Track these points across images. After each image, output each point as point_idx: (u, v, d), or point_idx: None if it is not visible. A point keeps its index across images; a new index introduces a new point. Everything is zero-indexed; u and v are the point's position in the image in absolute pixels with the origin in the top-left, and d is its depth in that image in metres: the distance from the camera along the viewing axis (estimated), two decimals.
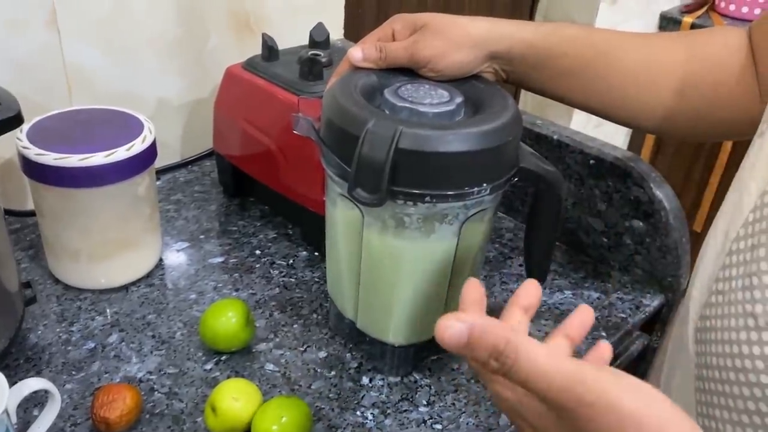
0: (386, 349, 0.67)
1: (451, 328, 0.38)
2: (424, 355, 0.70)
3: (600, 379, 0.34)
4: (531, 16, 1.81)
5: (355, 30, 1.22)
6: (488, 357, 0.37)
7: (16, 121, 0.60)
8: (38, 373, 0.65)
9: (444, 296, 0.64)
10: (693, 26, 1.88)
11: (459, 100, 0.59)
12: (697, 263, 0.57)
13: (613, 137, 2.06)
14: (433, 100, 0.59)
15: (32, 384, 0.54)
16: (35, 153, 0.67)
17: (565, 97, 0.68)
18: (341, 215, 0.62)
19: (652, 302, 0.81)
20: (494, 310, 0.44)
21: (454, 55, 0.62)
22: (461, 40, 0.62)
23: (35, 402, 0.61)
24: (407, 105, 0.57)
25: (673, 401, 0.35)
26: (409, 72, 0.64)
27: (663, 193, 0.78)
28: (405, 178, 0.54)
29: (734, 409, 0.47)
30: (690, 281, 0.59)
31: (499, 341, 0.36)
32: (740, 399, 0.46)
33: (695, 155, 1.98)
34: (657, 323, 0.84)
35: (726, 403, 0.48)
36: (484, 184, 0.55)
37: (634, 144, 2.13)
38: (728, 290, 0.48)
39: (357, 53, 0.63)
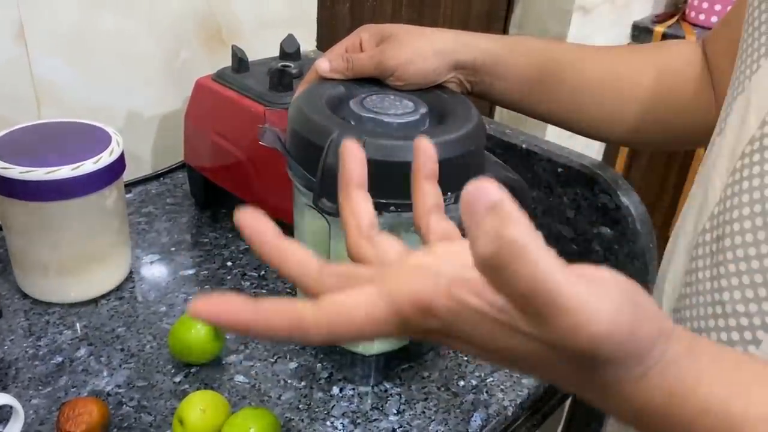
0: (356, 358, 0.67)
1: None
2: (395, 364, 0.70)
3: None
4: (505, 26, 1.83)
5: (328, 42, 1.23)
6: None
7: None
8: (4, 389, 0.64)
9: None
10: (665, 35, 1.91)
11: (423, 110, 0.60)
12: (668, 257, 0.58)
13: (588, 146, 2.08)
14: (398, 110, 0.59)
15: None
16: (1, 167, 0.66)
17: (529, 107, 0.69)
18: (308, 226, 0.62)
19: None
20: None
21: (419, 64, 0.63)
22: (427, 49, 0.63)
23: (0, 418, 0.60)
24: (372, 115, 0.58)
25: None
26: (376, 83, 0.64)
27: (629, 200, 0.79)
28: (370, 187, 0.54)
29: None
30: (660, 276, 0.60)
31: None
32: None
33: (669, 162, 2.01)
34: None
35: None
36: (449, 193, 0.56)
37: (610, 152, 2.15)
38: (696, 281, 0.50)
39: (324, 64, 0.64)
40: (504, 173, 0.62)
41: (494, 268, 0.27)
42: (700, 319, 0.49)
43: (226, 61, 0.87)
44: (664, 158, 2.03)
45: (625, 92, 0.67)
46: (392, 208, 0.55)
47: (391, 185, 0.55)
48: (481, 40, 0.66)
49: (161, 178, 1.01)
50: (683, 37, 1.87)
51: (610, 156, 2.13)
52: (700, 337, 0.34)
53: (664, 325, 0.31)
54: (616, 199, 0.79)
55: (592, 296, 0.27)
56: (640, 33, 1.98)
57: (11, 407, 0.55)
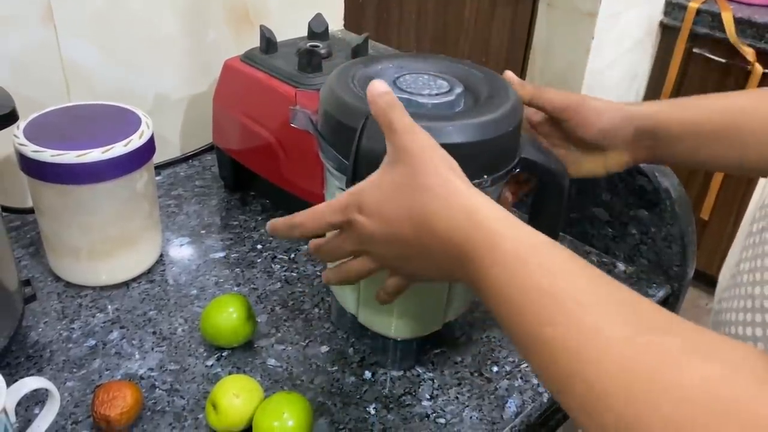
0: (388, 343, 0.66)
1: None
2: (427, 348, 0.69)
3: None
4: (533, 13, 1.80)
5: (355, 20, 1.21)
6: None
7: (10, 118, 0.59)
8: (39, 371, 0.64)
9: (446, 289, 0.63)
10: (699, 12, 1.86)
11: (459, 90, 0.58)
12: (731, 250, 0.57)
13: None
14: (432, 90, 0.58)
15: (30, 383, 0.54)
16: (32, 150, 0.66)
17: (718, 162, 0.65)
18: None
19: (658, 292, 0.80)
20: None
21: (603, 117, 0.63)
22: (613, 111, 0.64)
23: (36, 400, 0.61)
24: (406, 96, 0.57)
25: None
26: (408, 64, 0.63)
27: (669, 182, 0.77)
28: None
29: None
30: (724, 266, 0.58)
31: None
32: None
33: None
34: None
35: None
36: (485, 176, 0.55)
37: None
38: (739, 272, 0.48)
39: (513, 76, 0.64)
40: (541, 155, 0.60)
41: (377, 116, 0.49)
42: (736, 312, 0.47)
43: (254, 42, 0.86)
44: None
45: None
46: None
47: None
48: (653, 105, 0.64)
49: (190, 161, 1.00)
50: (718, 14, 1.82)
51: None
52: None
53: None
54: (654, 181, 0.77)
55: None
56: (674, 9, 1.92)
57: (47, 390, 0.55)
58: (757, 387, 0.30)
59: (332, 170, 0.57)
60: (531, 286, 0.39)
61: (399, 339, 0.65)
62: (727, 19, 1.82)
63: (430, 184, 0.46)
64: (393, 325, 0.64)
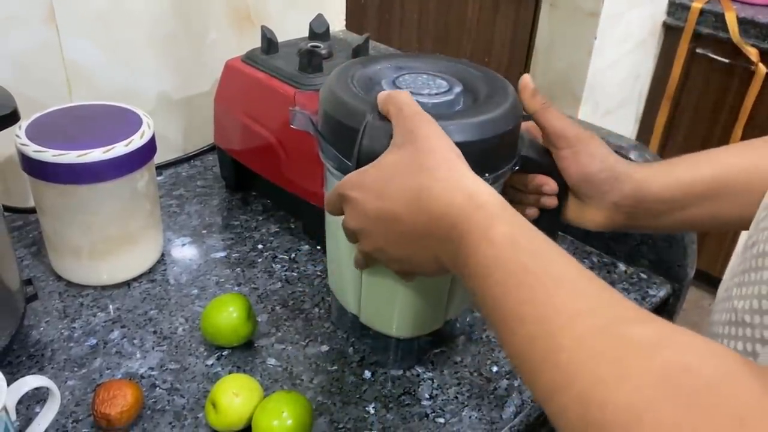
0: (390, 342, 0.66)
1: None
2: (428, 348, 0.69)
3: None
4: (535, 13, 1.80)
5: (357, 21, 1.21)
6: None
7: (12, 118, 0.59)
8: (40, 370, 0.65)
9: (447, 288, 0.63)
10: (702, 12, 1.85)
11: (458, 89, 0.59)
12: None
13: (622, 127, 2.04)
14: (432, 90, 0.58)
15: (31, 382, 0.54)
16: (33, 150, 0.66)
17: (714, 220, 0.61)
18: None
19: (659, 292, 0.80)
20: None
21: (595, 160, 0.59)
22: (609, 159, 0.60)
23: (37, 399, 0.61)
24: None
25: None
26: (407, 64, 0.63)
27: None
28: None
29: None
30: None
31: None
32: None
33: (704, 146, 1.96)
34: (664, 313, 0.82)
35: None
36: (486, 174, 0.55)
37: (643, 134, 2.11)
38: (729, 287, 0.47)
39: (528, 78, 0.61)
40: (539, 153, 0.60)
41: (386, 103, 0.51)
42: (723, 325, 0.46)
43: (255, 42, 0.86)
44: (699, 142, 1.98)
45: None
46: None
47: None
48: (637, 168, 0.61)
49: (192, 161, 1.01)
50: (722, 14, 1.82)
51: (643, 139, 2.09)
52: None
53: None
54: None
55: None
56: (677, 9, 1.92)
57: (48, 389, 0.55)
58: (723, 379, 0.30)
59: (333, 170, 0.57)
60: (518, 266, 0.40)
61: (401, 338, 0.65)
62: (731, 19, 1.82)
63: (434, 165, 0.47)
64: (394, 324, 0.64)
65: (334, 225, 0.64)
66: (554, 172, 0.61)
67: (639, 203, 0.60)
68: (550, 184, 0.62)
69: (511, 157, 0.57)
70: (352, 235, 0.53)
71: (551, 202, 0.62)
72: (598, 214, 0.61)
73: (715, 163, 0.60)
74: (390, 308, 0.63)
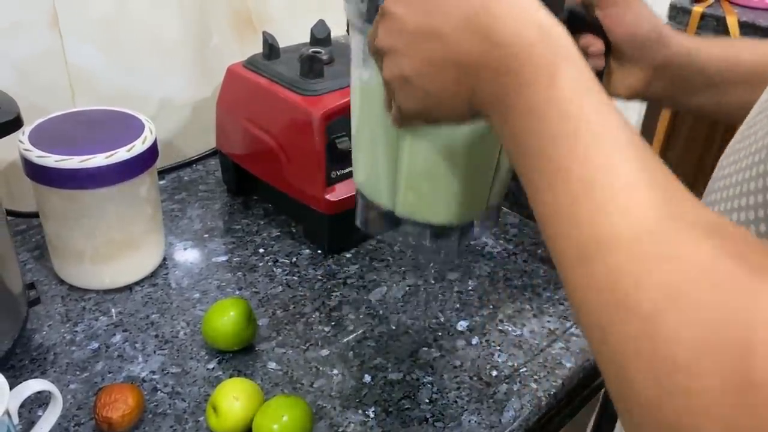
0: (427, 233, 0.59)
1: None
2: (425, 352, 0.70)
3: None
4: None
5: None
6: None
7: (15, 124, 0.60)
8: (43, 374, 0.65)
9: (494, 165, 0.58)
10: (703, 16, 1.86)
11: None
12: None
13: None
14: None
15: (33, 385, 0.54)
16: (37, 155, 0.67)
17: (742, 110, 0.62)
18: (377, 83, 0.52)
19: None
20: None
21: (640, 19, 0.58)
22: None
23: (39, 402, 0.61)
24: None
25: None
26: None
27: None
28: None
29: None
30: None
31: None
32: None
33: (708, 141, 1.96)
34: None
35: None
36: None
37: (647, 130, 2.11)
38: None
39: None
40: (585, 9, 0.58)
41: None
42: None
43: (257, 48, 0.87)
44: (703, 138, 1.98)
45: None
46: None
47: None
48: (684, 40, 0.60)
49: (194, 165, 1.01)
50: (723, 17, 1.82)
51: (647, 134, 2.09)
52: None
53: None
54: None
55: None
56: (678, 13, 1.92)
57: (50, 393, 0.56)
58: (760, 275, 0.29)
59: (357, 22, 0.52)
60: (580, 117, 0.36)
61: (443, 225, 0.59)
62: (732, 23, 1.82)
63: None
64: (439, 208, 0.58)
65: (367, 108, 0.57)
66: (599, 31, 0.59)
67: (681, 70, 0.59)
68: (596, 45, 0.59)
69: (560, 8, 0.55)
70: (379, 56, 0.45)
71: (599, 63, 0.60)
72: (637, 77, 0.60)
73: (758, 51, 0.60)
74: (434, 188, 0.58)
